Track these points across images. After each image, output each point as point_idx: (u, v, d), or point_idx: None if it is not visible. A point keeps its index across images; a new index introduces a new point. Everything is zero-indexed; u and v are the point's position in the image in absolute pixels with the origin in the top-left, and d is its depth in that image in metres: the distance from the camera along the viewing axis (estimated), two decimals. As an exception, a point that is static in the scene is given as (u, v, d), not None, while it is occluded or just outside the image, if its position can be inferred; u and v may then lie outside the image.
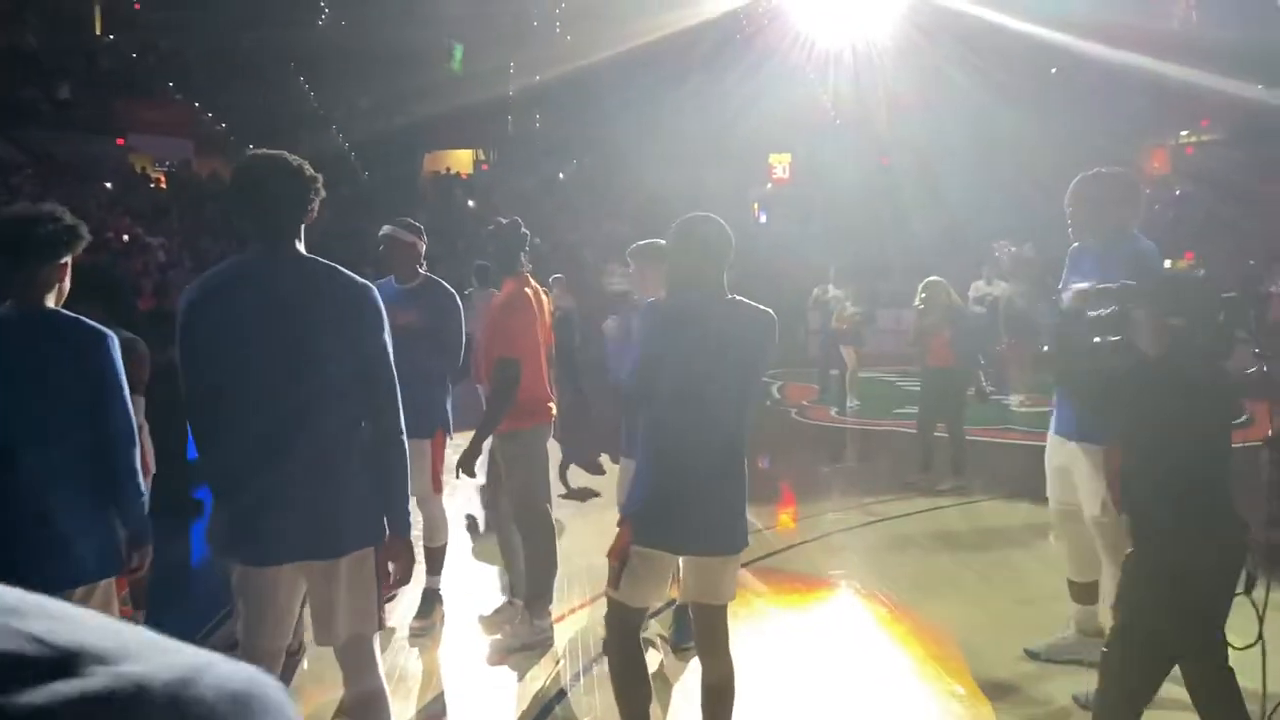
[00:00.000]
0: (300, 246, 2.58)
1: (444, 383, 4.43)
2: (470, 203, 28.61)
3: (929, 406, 7.60)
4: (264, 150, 2.63)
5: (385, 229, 4.42)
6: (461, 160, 32.40)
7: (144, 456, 3.09)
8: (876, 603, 4.90)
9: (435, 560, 4.60)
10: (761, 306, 2.94)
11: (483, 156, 32.63)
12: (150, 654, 0.40)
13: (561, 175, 30.10)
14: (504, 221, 4.43)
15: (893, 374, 13.47)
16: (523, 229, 4.38)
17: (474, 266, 9.31)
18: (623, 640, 2.97)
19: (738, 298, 2.93)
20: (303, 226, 2.58)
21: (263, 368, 2.50)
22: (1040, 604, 4.58)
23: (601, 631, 3.94)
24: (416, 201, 27.64)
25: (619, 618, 2.95)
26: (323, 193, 2.63)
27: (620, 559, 2.84)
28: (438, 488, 4.49)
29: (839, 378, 11.58)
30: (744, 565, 5.44)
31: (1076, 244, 3.94)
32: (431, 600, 4.56)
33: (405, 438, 2.69)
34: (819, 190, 28.22)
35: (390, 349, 2.65)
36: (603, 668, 3.93)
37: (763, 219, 28.79)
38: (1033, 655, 4.07)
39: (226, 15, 28.09)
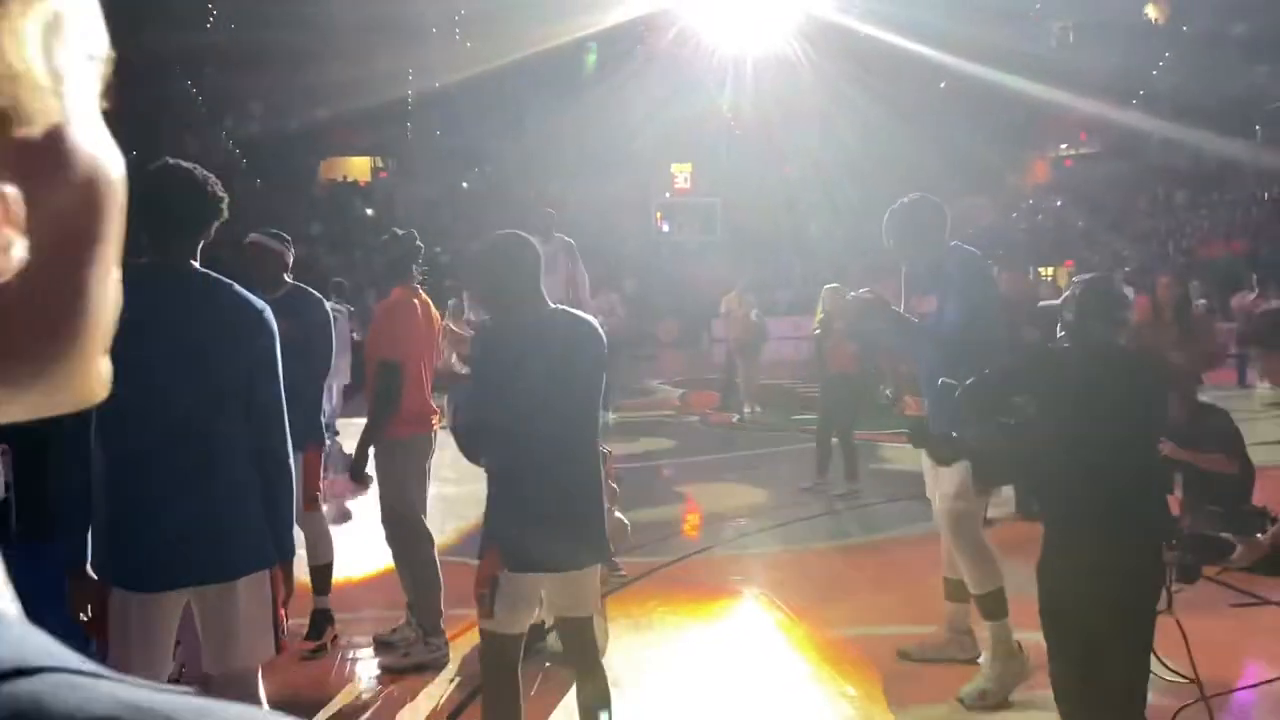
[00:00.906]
0: (195, 263, 2.54)
1: (317, 395, 4.30)
2: (368, 211, 28.08)
3: (829, 412, 7.69)
4: (174, 160, 2.54)
5: (251, 236, 4.31)
6: (359, 167, 31.79)
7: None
8: (775, 608, 4.97)
9: (322, 579, 4.46)
10: (584, 315, 2.96)
11: (380, 164, 32.05)
12: None
13: (466, 184, 29.80)
14: (399, 233, 4.37)
15: (792, 380, 13.70)
16: (417, 241, 4.33)
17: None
18: (499, 671, 2.88)
19: (562, 308, 2.95)
20: (199, 243, 2.54)
21: (149, 383, 2.41)
22: (929, 604, 4.70)
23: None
24: (312, 210, 26.99)
25: (495, 648, 2.87)
26: (225, 214, 2.56)
27: (489, 587, 2.77)
28: (313, 504, 4.34)
29: (737, 385, 11.79)
30: (646, 574, 5.47)
31: (905, 270, 4.16)
32: (321, 621, 4.43)
33: (292, 459, 2.65)
34: (720, 199, 28.63)
35: (280, 369, 2.62)
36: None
37: (665, 228, 29.05)
38: (904, 655, 4.16)
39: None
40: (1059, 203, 28.95)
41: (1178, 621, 2.87)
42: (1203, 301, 10.60)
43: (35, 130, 0.37)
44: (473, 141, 29.89)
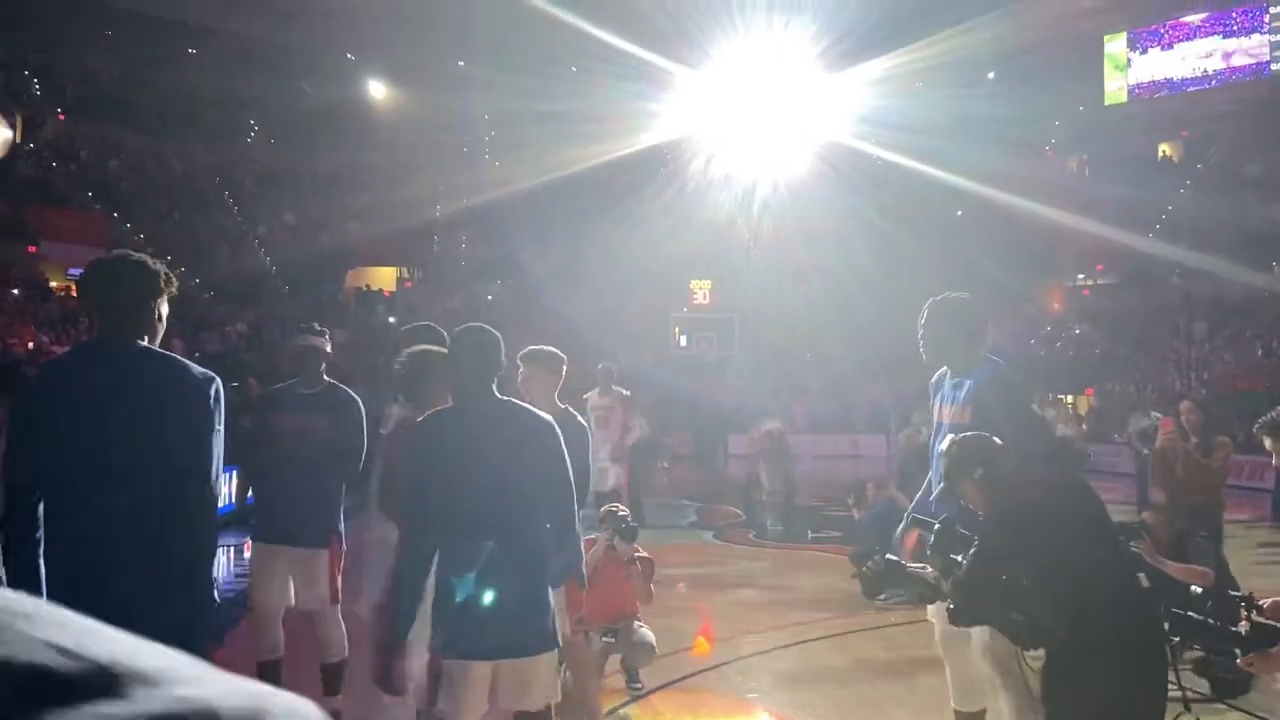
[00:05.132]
0: (146, 341, 2.57)
1: (339, 490, 4.28)
2: (391, 319, 28.47)
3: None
4: (120, 252, 2.73)
5: (307, 340, 4.40)
6: (385, 277, 32.38)
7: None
8: (793, 727, 4.81)
9: (333, 678, 4.34)
10: (540, 413, 3.03)
11: (407, 274, 32.67)
12: (204, 678, 0.33)
13: (490, 296, 30.28)
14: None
15: (813, 499, 13.52)
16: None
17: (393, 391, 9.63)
18: None
19: (511, 399, 3.02)
20: (152, 323, 2.59)
21: (90, 459, 2.42)
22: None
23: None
24: (336, 317, 27.40)
25: None
26: (173, 290, 2.66)
27: (433, 673, 2.79)
28: (335, 598, 4.25)
29: (761, 501, 11.70)
30: (661, 687, 5.31)
31: (935, 374, 4.01)
32: (328, 725, 4.31)
33: (214, 540, 2.65)
34: (738, 315, 28.92)
35: (218, 445, 2.55)
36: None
37: (683, 342, 29.29)
38: None
39: (152, 129, 28.07)
40: (1077, 330, 29.05)
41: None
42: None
43: None
44: (498, 255, 30.50)
